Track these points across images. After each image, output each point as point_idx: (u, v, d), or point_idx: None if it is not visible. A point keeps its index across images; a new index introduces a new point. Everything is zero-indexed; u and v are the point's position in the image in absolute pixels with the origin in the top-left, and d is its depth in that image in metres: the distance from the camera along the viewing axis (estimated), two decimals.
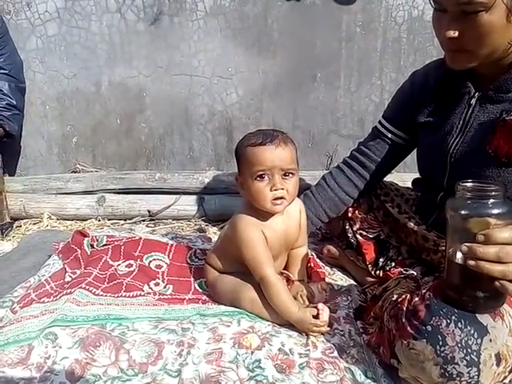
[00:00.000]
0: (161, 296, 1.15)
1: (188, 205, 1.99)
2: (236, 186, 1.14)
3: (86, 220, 1.98)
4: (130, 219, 1.99)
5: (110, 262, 1.24)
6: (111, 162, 2.26)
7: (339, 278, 1.36)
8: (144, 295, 1.13)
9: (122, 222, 1.98)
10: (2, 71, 1.93)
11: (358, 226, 1.34)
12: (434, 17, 1.03)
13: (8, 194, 1.99)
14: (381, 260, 1.27)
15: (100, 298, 1.09)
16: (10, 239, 1.85)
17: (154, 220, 1.98)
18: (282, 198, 1.06)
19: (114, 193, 2.06)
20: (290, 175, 1.06)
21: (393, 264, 1.25)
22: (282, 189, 1.05)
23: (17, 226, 1.95)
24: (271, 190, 1.05)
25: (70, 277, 1.17)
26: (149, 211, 1.97)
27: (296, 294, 1.12)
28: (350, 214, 1.36)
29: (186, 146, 2.23)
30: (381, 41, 2.06)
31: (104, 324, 1.00)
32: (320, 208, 1.35)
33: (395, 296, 0.95)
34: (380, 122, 1.31)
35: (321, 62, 2.08)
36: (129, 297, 1.12)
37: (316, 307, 1.05)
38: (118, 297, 1.11)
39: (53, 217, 1.98)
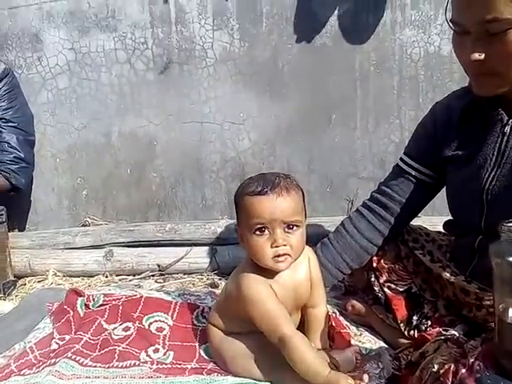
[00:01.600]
0: (159, 365, 1.00)
1: (200, 257, 1.87)
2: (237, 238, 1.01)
3: (93, 276, 1.88)
4: (138, 274, 1.87)
5: (105, 326, 1.11)
6: (122, 214, 2.19)
7: (367, 340, 1.19)
8: (139, 365, 0.98)
9: (130, 277, 1.87)
10: (11, 124, 1.92)
11: (385, 277, 1.18)
12: (454, 41, 0.93)
13: (14, 250, 1.91)
14: (414, 318, 1.10)
15: (88, 369, 0.95)
16: (13, 298, 1.75)
17: (163, 275, 1.86)
18: (285, 254, 0.92)
19: (123, 246, 1.96)
20: (295, 228, 0.93)
21: (429, 322, 1.08)
22: (285, 245, 0.92)
23: (21, 285, 1.85)
24: (272, 247, 0.92)
25: (57, 344, 1.03)
26: (158, 265, 1.85)
27: None
28: (374, 264, 1.21)
29: (199, 194, 2.15)
30: (397, 79, 1.97)
31: None
32: (340, 258, 1.20)
33: (436, 366, 0.78)
34: (402, 159, 1.19)
35: (335, 103, 2.00)
36: (122, 367, 0.97)
37: (356, 377, 0.88)
38: (108, 367, 0.96)
39: (59, 273, 1.88)
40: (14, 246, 1.93)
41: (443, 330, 1.01)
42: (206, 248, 1.89)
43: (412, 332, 1.09)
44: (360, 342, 1.18)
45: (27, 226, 2.21)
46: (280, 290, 0.95)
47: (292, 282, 0.98)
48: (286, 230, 0.92)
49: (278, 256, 0.92)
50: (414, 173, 1.15)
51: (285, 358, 0.89)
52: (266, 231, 0.92)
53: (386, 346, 1.16)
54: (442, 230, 1.23)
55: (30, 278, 1.88)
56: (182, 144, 2.10)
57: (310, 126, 2.02)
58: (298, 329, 1.04)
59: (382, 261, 1.20)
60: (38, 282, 1.86)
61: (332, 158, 2.05)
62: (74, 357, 0.96)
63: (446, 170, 1.09)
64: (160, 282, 1.80)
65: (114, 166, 2.15)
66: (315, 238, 1.32)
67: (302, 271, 1.00)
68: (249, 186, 0.94)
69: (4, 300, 1.71)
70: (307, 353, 0.88)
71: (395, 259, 1.20)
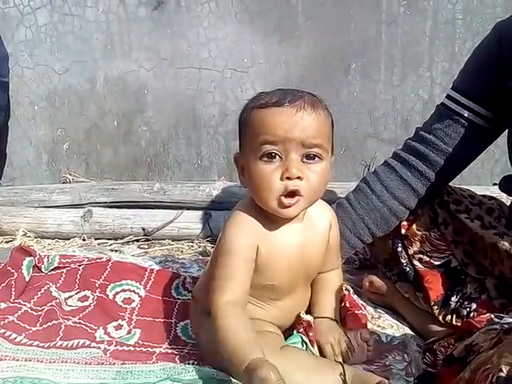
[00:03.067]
0: (118, 347, 0.77)
1: (191, 222, 1.64)
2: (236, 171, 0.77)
3: (69, 239, 1.65)
4: (120, 238, 1.64)
5: (54, 293, 0.87)
6: (107, 172, 1.96)
7: (388, 325, 0.95)
8: (90, 345, 0.74)
9: (111, 241, 1.64)
10: None
11: (415, 247, 0.94)
12: None
13: None
14: (453, 299, 0.87)
15: (19, 348, 0.72)
16: None
17: (148, 240, 1.63)
18: (296, 194, 0.68)
19: (105, 206, 1.73)
20: (316, 158, 0.69)
21: (473, 306, 0.85)
22: (300, 178, 0.67)
23: None
24: (282, 179, 0.67)
25: None
26: (143, 229, 1.63)
27: (326, 344, 0.76)
28: (403, 231, 0.96)
29: (194, 152, 1.91)
30: (430, 23, 1.71)
31: None
32: (361, 223, 0.96)
33: (505, 369, 0.53)
34: (450, 97, 0.94)
35: (356, 50, 1.75)
36: (66, 347, 0.74)
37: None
38: (49, 347, 0.73)
39: (29, 234, 1.64)
40: None
41: (496, 316, 0.77)
42: (199, 212, 1.67)
43: (449, 317, 0.87)
44: (379, 326, 0.94)
45: (1, 181, 1.98)
46: (274, 252, 0.73)
47: (302, 241, 0.75)
48: (305, 159, 0.68)
49: (287, 195, 0.68)
50: (466, 114, 0.91)
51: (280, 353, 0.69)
52: (277, 157, 0.68)
53: (412, 333, 0.92)
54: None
55: None
56: (177, 93, 1.86)
57: (324, 76, 1.78)
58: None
59: (413, 227, 0.96)
60: (6, 242, 1.63)
61: (349, 115, 1.80)
62: (2, 331, 0.72)
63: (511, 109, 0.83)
64: (144, 248, 1.57)
65: (98, 116, 1.91)
66: None
67: (318, 234, 0.78)
68: (259, 99, 0.70)
69: None
70: (237, 331, 0.65)
71: (430, 225, 0.96)
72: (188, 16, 1.78)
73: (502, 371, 0.54)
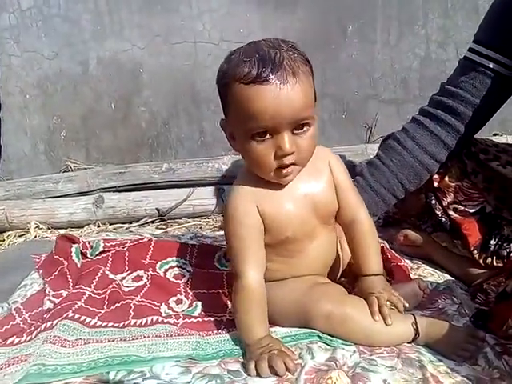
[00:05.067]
0: (187, 320, 0.79)
1: (205, 198, 1.65)
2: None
3: (83, 227, 1.63)
4: (135, 221, 1.63)
5: (111, 276, 0.88)
6: (108, 157, 1.92)
7: (428, 273, 1.00)
8: (163, 321, 0.76)
9: (126, 225, 1.64)
10: None
11: (450, 198, 0.98)
12: None
13: None
14: (492, 242, 0.92)
15: (97, 331, 0.73)
16: None
17: (164, 220, 1.64)
18: (292, 164, 0.71)
19: (115, 191, 1.72)
20: (305, 128, 0.70)
21: None
22: (292, 153, 0.69)
23: None
24: (276, 157, 0.69)
25: (53, 302, 0.80)
26: (158, 210, 1.63)
27: (370, 297, 0.75)
28: (436, 184, 1.00)
29: (196, 129, 1.89)
30: None
31: (106, 374, 0.64)
32: (395, 180, 0.99)
33: None
34: (473, 50, 0.96)
35: (352, 11, 1.74)
36: (141, 325, 0.75)
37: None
38: (124, 327, 0.75)
39: (42, 226, 1.62)
40: None
41: None
42: (211, 188, 1.67)
43: (489, 260, 0.91)
44: (420, 275, 0.98)
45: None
46: (277, 208, 0.75)
47: (305, 190, 0.77)
48: (295, 131, 0.70)
49: (283, 168, 0.70)
50: (491, 65, 0.92)
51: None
52: (268, 135, 0.69)
53: (453, 278, 0.97)
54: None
55: (8, 233, 1.62)
56: (173, 70, 1.82)
57: (322, 40, 1.77)
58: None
59: (445, 179, 0.99)
60: (19, 236, 1.61)
61: (348, 78, 1.81)
62: (76, 316, 0.73)
63: None
64: (162, 228, 1.58)
65: (94, 100, 1.85)
66: None
67: (319, 177, 0.79)
68: (239, 65, 0.68)
69: None
70: (255, 307, 0.72)
71: (461, 176, 1.00)
72: None
73: None
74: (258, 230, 0.75)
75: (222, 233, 1.34)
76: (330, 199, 0.79)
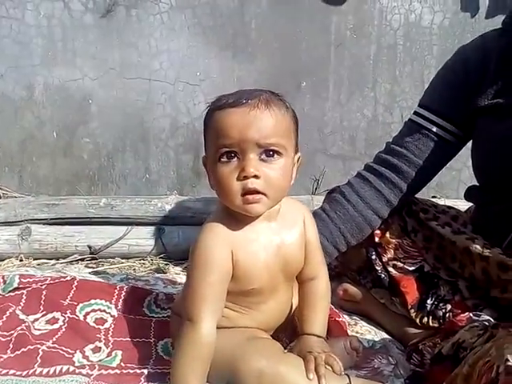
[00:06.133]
0: (103, 371, 0.70)
1: (143, 238, 1.56)
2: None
3: (3, 260, 1.49)
4: (63, 258, 1.51)
5: (21, 316, 0.78)
6: (43, 187, 1.81)
7: (366, 331, 0.97)
8: (74, 372, 0.67)
9: (52, 261, 1.51)
10: None
11: (390, 255, 0.98)
12: None
13: None
14: (428, 302, 0.91)
15: None
16: None
17: (96, 259, 1.53)
18: (256, 191, 0.68)
19: (45, 224, 1.59)
20: (275, 156, 0.69)
21: (448, 306, 0.89)
22: (256, 176, 0.67)
23: None
24: (239, 179, 0.67)
25: None
26: (89, 247, 1.52)
27: (309, 355, 0.72)
28: (377, 239, 1.00)
29: (142, 166, 1.83)
30: (374, 47, 1.82)
31: None
32: (338, 232, 0.98)
33: (511, 358, 0.57)
34: (418, 114, 1.00)
35: (307, 68, 1.80)
36: (47, 375, 0.66)
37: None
38: (27, 375, 0.66)
39: None
40: None
41: (474, 315, 0.83)
42: (151, 228, 1.59)
43: (426, 319, 0.91)
44: (357, 332, 0.96)
45: None
46: (251, 255, 0.72)
47: (279, 243, 0.75)
48: (264, 157, 0.68)
49: (247, 193, 0.68)
50: (435, 129, 0.97)
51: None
52: (235, 158, 0.68)
53: (390, 337, 0.95)
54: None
55: None
56: (125, 104, 1.77)
57: (276, 92, 1.78)
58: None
59: (386, 235, 1.00)
60: None
61: (299, 131, 1.82)
62: None
63: (476, 125, 0.91)
64: (92, 267, 1.46)
65: (36, 126, 1.77)
66: None
67: (294, 231, 0.77)
68: (220, 99, 0.71)
69: None
70: (197, 360, 0.67)
71: (401, 233, 1.01)
72: (139, 26, 1.72)
73: (508, 361, 0.58)
74: (227, 277, 0.71)
75: (155, 275, 1.27)
76: (300, 255, 0.78)
